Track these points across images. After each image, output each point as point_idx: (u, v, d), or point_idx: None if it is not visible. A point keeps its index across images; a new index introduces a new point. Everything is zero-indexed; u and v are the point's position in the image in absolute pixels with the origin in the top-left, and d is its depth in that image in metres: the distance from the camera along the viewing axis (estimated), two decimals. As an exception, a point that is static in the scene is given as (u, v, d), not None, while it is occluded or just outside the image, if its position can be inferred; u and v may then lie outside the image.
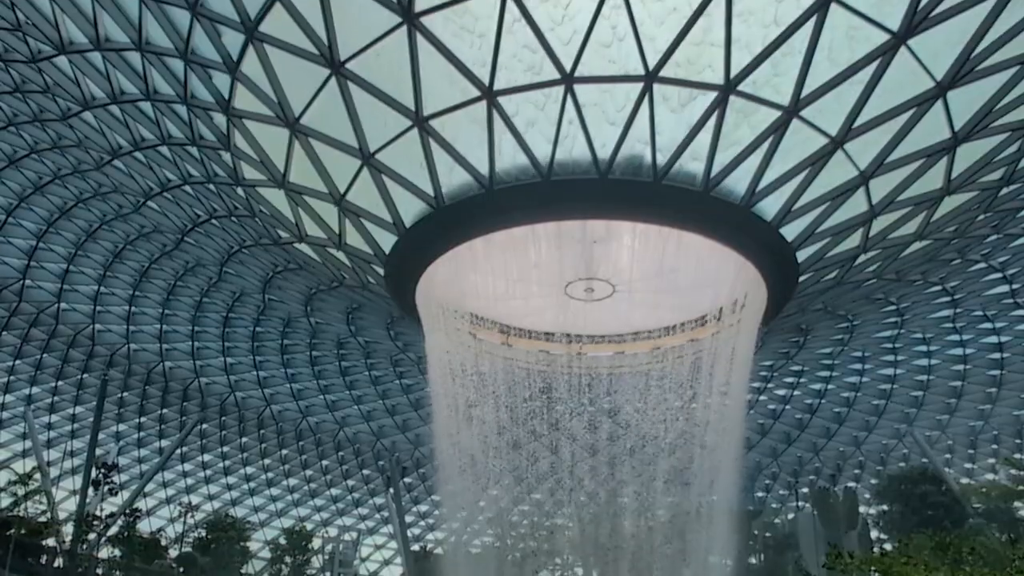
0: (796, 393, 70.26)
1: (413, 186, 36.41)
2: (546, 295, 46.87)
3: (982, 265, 48.62)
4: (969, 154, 34.62)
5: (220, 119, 35.29)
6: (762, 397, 70.29)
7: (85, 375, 67.81)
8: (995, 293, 52.43)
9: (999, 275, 49.82)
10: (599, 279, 44.92)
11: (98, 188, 48.85)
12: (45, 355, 64.88)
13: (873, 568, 17.00)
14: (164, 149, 39.71)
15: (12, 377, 66.36)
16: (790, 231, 38.66)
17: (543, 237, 40.75)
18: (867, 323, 56.38)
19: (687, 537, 49.89)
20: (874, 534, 68.19)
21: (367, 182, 36.03)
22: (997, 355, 61.20)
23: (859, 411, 70.97)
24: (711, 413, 50.47)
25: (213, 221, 47.58)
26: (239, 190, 40.76)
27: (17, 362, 64.91)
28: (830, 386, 68.40)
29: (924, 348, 61.21)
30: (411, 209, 38.44)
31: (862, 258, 41.66)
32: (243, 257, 51.95)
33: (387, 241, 40.74)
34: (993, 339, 59.51)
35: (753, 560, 71.63)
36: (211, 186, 42.29)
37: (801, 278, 42.56)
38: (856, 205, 37.03)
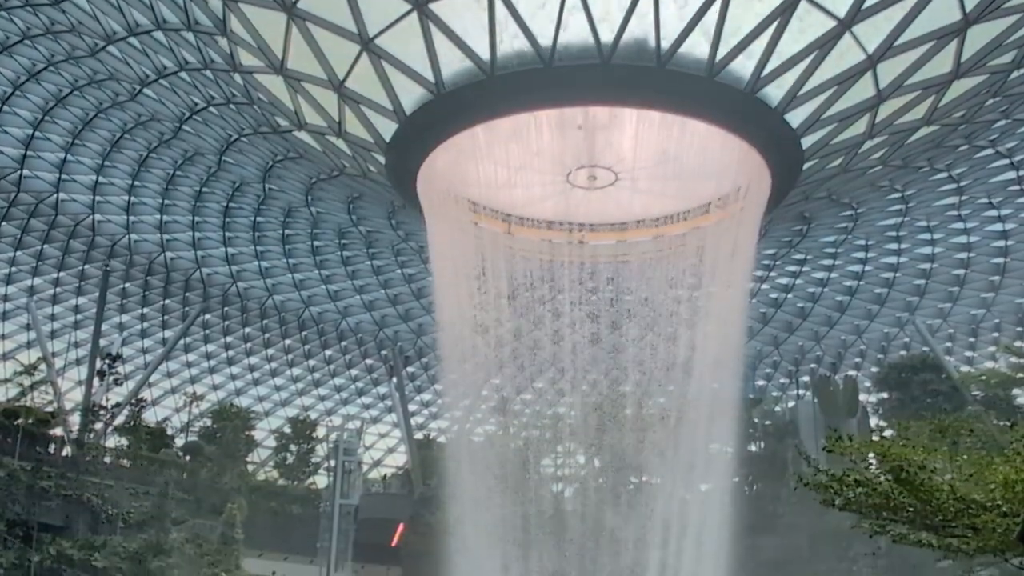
0: (798, 282, 70.23)
1: (413, 72, 35.81)
2: (548, 183, 46.54)
3: (989, 151, 48.08)
4: (980, 37, 33.90)
5: (216, 3, 34.54)
6: (764, 286, 70.27)
7: (86, 266, 67.74)
8: (1002, 180, 51.94)
9: (1006, 161, 49.30)
10: (602, 167, 44.53)
11: (93, 75, 48.03)
12: (45, 246, 64.70)
13: (872, 452, 16.95)
14: (159, 35, 38.94)
15: (13, 268, 66.31)
16: (795, 117, 38.17)
17: (545, 124, 40.29)
18: (871, 211, 56.02)
19: (688, 425, 50.28)
20: (874, 421, 68.79)
21: (367, 68, 35.44)
22: (1001, 243, 60.92)
23: (861, 300, 71.02)
24: (713, 301, 50.50)
25: (211, 109, 46.94)
26: (236, 77, 40.12)
27: (18, 253, 64.79)
28: (832, 275, 68.29)
29: (928, 236, 60.93)
30: (412, 96, 37.90)
31: (868, 144, 41.19)
32: (242, 146, 51.41)
33: (388, 129, 40.28)
34: (998, 227, 59.15)
35: (753, 447, 72.45)
36: (208, 73, 41.61)
37: (805, 165, 42.16)
38: (863, 90, 36.45)
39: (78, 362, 73.16)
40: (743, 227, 46.04)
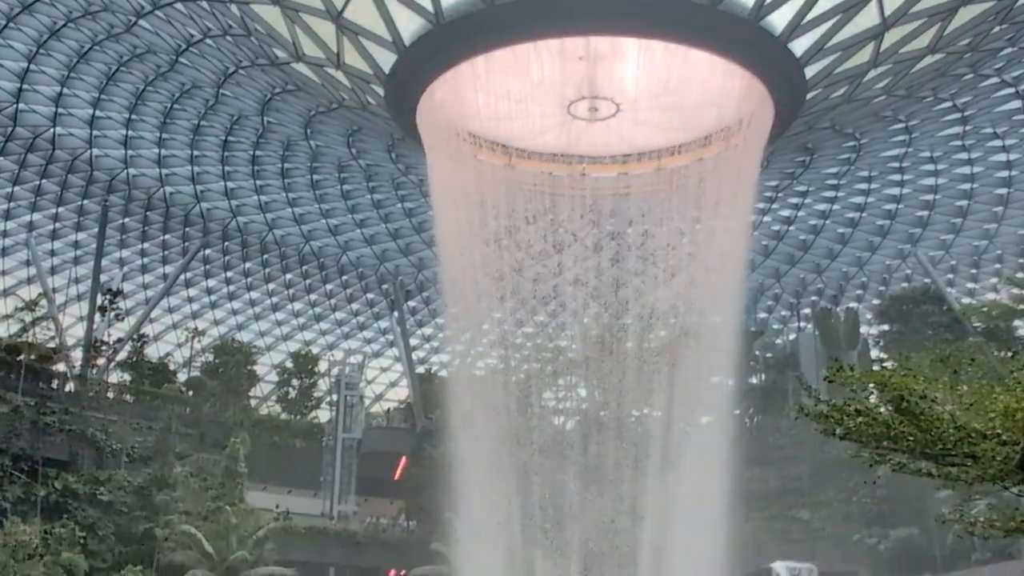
0: (800, 214, 69.92)
1: (412, 2, 35.29)
2: (549, 115, 46.12)
3: (995, 80, 47.57)
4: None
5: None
6: (766, 218, 69.97)
7: (85, 201, 67.45)
8: (1006, 109, 51.47)
9: (1012, 90, 48.80)
10: (603, 98, 44.07)
11: (88, 7, 47.33)
12: (44, 181, 64.35)
13: (872, 382, 16.89)
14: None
15: (12, 204, 66.02)
16: (798, 46, 37.68)
17: (545, 55, 39.84)
18: (875, 142, 55.59)
19: (689, 358, 50.31)
20: (874, 354, 68.88)
21: (364, -2, 34.93)
22: (1005, 173, 60.53)
23: (863, 231, 70.74)
24: (714, 234, 50.28)
25: (207, 41, 46.36)
26: (233, 8, 39.57)
27: (16, 188, 64.45)
28: (835, 207, 67.97)
29: (931, 167, 60.53)
30: (410, 26, 37.42)
31: (872, 74, 40.72)
32: (240, 79, 50.89)
33: (387, 60, 39.82)
34: (1002, 157, 58.73)
35: (754, 380, 72.69)
36: (204, 4, 41.05)
37: (809, 95, 41.72)
38: (867, 18, 35.94)
39: (79, 298, 73.16)
40: (745, 158, 45.71)
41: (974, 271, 73.56)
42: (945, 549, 48.93)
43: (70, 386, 64.37)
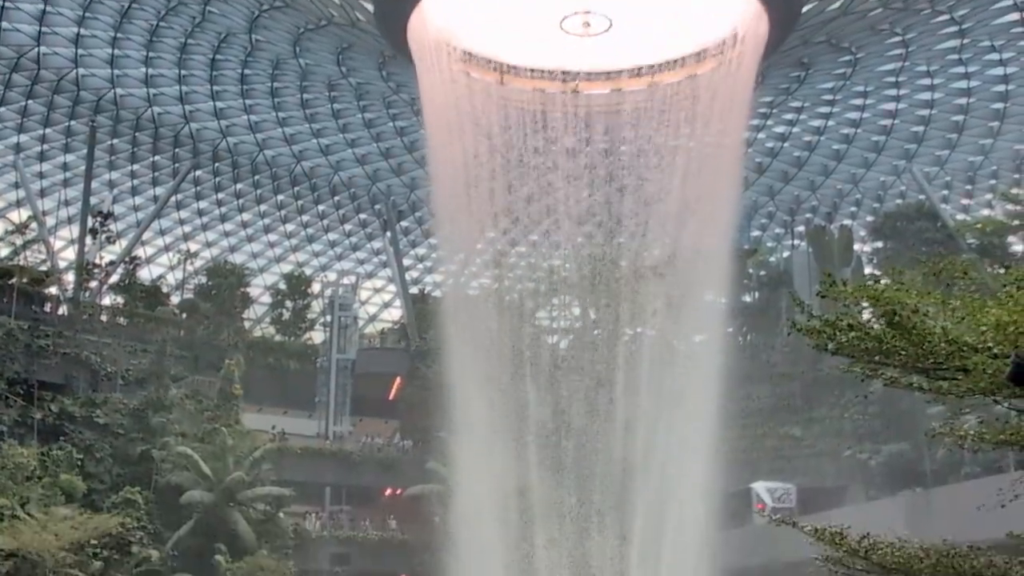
0: (795, 130, 69.34)
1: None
2: (541, 32, 45.42)
3: (992, -9, 46.88)
4: None
5: None
6: (760, 135, 69.43)
7: (73, 122, 66.60)
8: (1004, 22, 50.74)
9: (1010, 2, 48.03)
10: (595, 13, 43.35)
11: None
12: (30, 102, 63.46)
13: (865, 296, 16.69)
14: None
15: (-1, 125, 65.38)
16: (795, -43, 36.95)
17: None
18: (871, 56, 54.88)
19: (682, 276, 50.20)
20: (868, 271, 68.76)
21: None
22: (1002, 87, 59.84)
23: (858, 148, 70.21)
24: (708, 151, 49.86)
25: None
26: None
27: (1, 109, 63.63)
28: (830, 123, 67.36)
29: (928, 81, 59.84)
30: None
31: (869, -15, 40.02)
32: (226, -5, 49.99)
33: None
34: (999, 71, 58.00)
35: (747, 298, 72.71)
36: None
37: (804, 8, 41.03)
38: (865, -73, 35.18)
39: (69, 220, 72.79)
40: (740, 75, 45.12)
41: (969, 187, 73.23)
42: (935, 464, 49.32)
43: (63, 309, 64.29)
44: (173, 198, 75.26)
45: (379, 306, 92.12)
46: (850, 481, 55.92)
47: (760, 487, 52.19)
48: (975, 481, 38.61)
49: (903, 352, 15.38)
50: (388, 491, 67.24)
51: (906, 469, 51.14)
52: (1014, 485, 17.89)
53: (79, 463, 54.09)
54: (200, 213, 79.80)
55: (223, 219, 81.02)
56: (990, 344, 14.50)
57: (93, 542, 47.71)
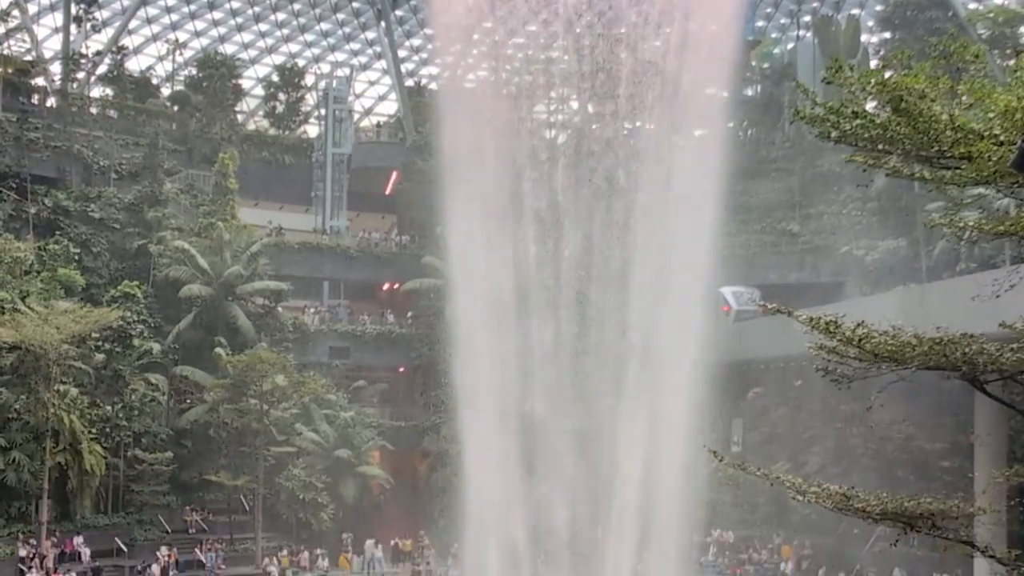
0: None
1: None
2: None
3: None
4: None
5: None
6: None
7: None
8: None
9: None
10: None
11: None
12: None
13: (872, 80, 16.07)
14: None
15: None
16: None
17: None
18: None
19: (683, 68, 48.87)
20: (874, 63, 67.18)
21: None
22: None
23: (870, -66, 67.41)
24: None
25: None
26: None
27: None
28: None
29: None
30: None
31: None
32: None
33: None
34: None
35: (749, 92, 71.40)
36: None
37: None
38: None
39: (52, 7, 70.56)
40: None
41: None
42: (931, 260, 49.48)
43: (51, 101, 63.15)
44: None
45: (374, 99, 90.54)
46: (845, 277, 56.27)
47: (727, 291, 52.65)
48: (970, 276, 38.63)
49: (907, 140, 15.02)
50: (385, 285, 67.73)
51: (902, 266, 51.35)
52: (1009, 276, 17.76)
53: (76, 258, 54.32)
54: (187, 0, 77.26)
55: (211, 7, 78.64)
56: (996, 131, 14.18)
57: (95, 335, 48.45)
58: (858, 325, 14.86)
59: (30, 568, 40.79)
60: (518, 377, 35.59)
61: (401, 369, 64.81)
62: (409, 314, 63.71)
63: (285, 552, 48.77)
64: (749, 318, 54.00)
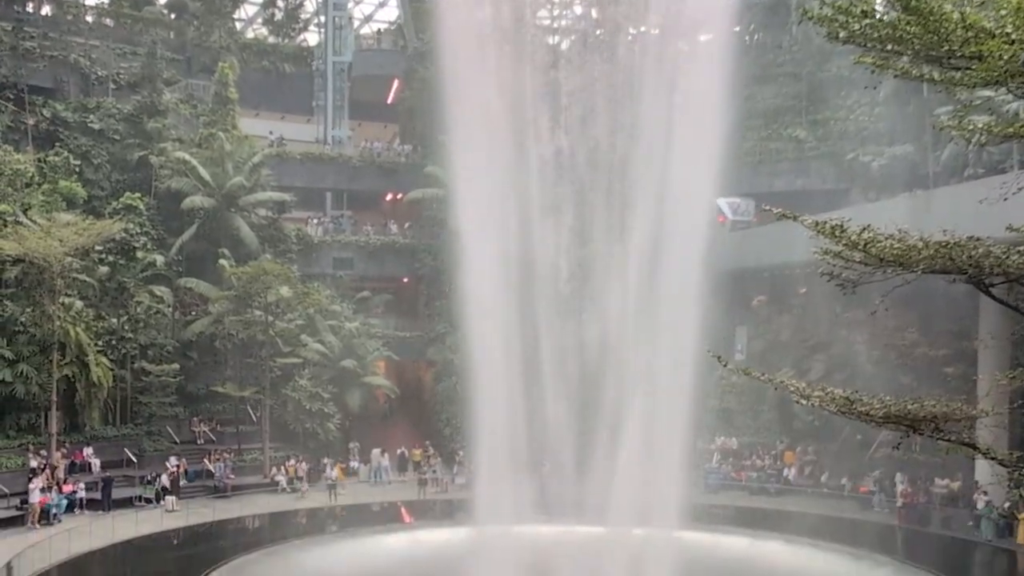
0: None
1: None
2: None
3: None
4: None
5: None
6: None
7: None
8: None
9: None
10: None
11: None
12: None
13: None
14: None
15: None
16: None
17: None
18: None
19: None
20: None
21: None
22: None
23: None
24: None
25: None
26: None
27: None
28: None
29: None
30: None
31: None
32: None
33: None
34: None
35: (756, -5, 70.16)
36: None
37: None
38: None
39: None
40: None
41: None
42: (939, 165, 49.06)
43: (46, 10, 62.28)
44: None
45: (374, 5, 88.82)
46: (851, 184, 55.90)
47: (722, 201, 52.32)
48: (978, 181, 38.34)
49: (917, 39, 14.68)
50: (389, 196, 67.42)
51: (909, 172, 50.97)
52: (1017, 179, 17.52)
53: (77, 170, 54.05)
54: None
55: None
56: (1008, 29, 13.88)
57: (98, 248, 48.52)
58: (864, 229, 14.68)
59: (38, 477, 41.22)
60: (520, 287, 35.44)
61: (405, 279, 64.80)
62: (407, 224, 63.53)
63: (292, 462, 49.28)
64: (744, 228, 53.91)
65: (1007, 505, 37.43)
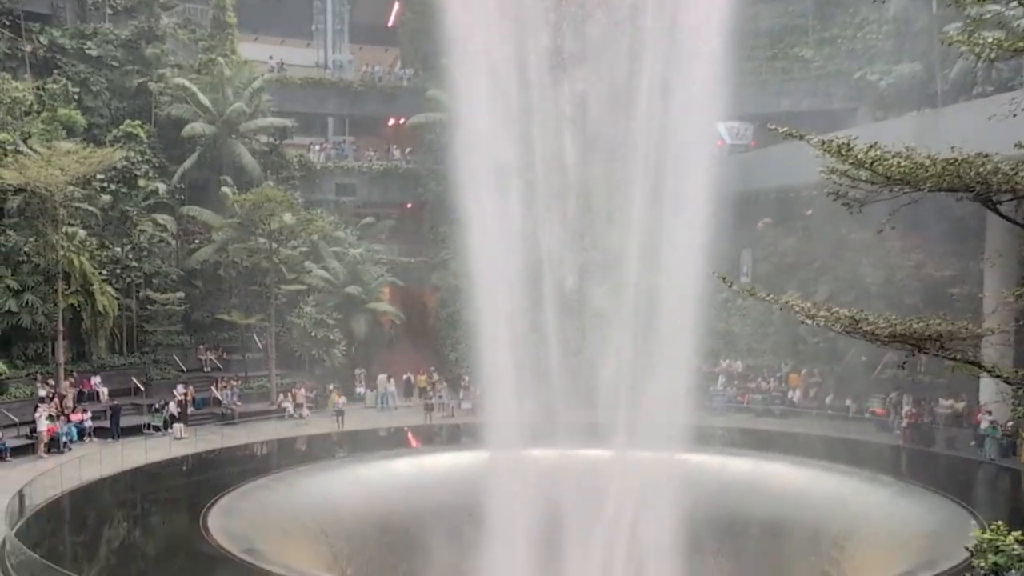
0: None
1: None
2: None
3: None
4: None
5: None
6: None
7: None
8: None
9: None
10: None
11: None
12: None
13: None
14: None
15: None
16: None
17: None
18: None
19: None
20: None
21: None
22: None
23: None
24: None
25: None
26: None
27: None
28: None
29: None
30: None
31: None
32: None
33: None
34: None
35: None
36: None
37: None
38: None
39: None
40: None
41: None
42: (947, 83, 48.42)
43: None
44: None
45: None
46: (859, 104, 55.28)
47: (720, 125, 51.70)
48: (986, 98, 37.79)
49: (926, -50, 14.30)
50: (391, 121, 66.80)
51: (917, 90, 50.36)
52: (1028, 94, 17.18)
53: (76, 98, 53.50)
54: None
55: None
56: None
57: (100, 176, 48.23)
58: (871, 147, 14.40)
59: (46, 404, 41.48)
60: (523, 207, 35.10)
61: (409, 205, 64.51)
62: (407, 149, 63.06)
63: (300, 388, 49.52)
64: (742, 152, 53.44)
65: (1011, 424, 37.56)
